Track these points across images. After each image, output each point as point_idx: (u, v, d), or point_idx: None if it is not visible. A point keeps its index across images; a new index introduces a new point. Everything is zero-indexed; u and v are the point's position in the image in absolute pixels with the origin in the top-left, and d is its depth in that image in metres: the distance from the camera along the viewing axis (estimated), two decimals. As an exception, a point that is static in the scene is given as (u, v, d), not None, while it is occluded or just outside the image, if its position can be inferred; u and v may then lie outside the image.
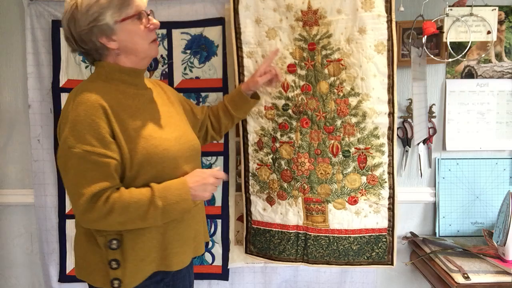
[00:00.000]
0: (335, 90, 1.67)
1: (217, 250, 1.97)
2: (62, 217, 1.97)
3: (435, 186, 1.98)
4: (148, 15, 1.31)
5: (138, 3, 1.27)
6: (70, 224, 1.97)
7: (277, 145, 1.75)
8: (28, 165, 1.99)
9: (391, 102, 1.65)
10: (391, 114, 1.66)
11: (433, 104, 1.94)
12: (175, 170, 1.29)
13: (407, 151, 1.96)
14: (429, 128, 1.93)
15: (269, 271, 2.00)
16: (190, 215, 1.36)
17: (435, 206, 1.99)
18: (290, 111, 1.72)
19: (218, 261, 1.98)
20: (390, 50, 1.61)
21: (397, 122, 1.88)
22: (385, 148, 1.68)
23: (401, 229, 2.01)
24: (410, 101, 1.92)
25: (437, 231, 1.98)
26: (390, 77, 1.63)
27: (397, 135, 1.95)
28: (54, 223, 1.98)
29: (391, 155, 1.69)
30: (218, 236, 1.95)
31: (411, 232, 2.00)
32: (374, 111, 1.65)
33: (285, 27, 1.68)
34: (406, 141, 1.95)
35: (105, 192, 1.18)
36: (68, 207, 1.97)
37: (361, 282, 1.99)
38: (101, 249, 1.25)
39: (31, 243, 2.05)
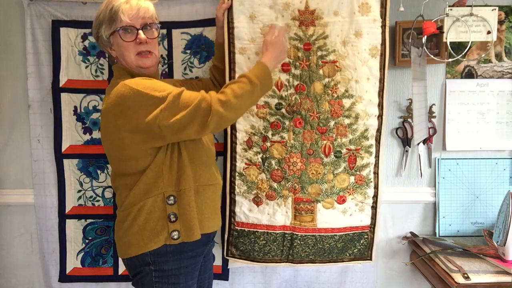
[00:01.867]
0: (330, 91, 1.68)
1: (217, 250, 1.97)
2: (62, 217, 1.97)
3: (435, 186, 1.98)
4: (140, 29, 1.42)
5: (123, 18, 1.40)
6: (70, 224, 1.98)
7: (268, 144, 1.74)
8: (28, 165, 1.99)
9: (380, 105, 1.70)
10: (380, 116, 1.70)
11: (433, 104, 1.94)
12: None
13: (407, 151, 1.96)
14: (429, 128, 1.93)
15: (269, 271, 2.00)
16: (214, 186, 1.54)
17: (435, 206, 1.99)
18: (283, 110, 1.72)
19: (218, 261, 1.98)
20: (382, 55, 1.66)
21: (394, 122, 1.92)
22: (373, 149, 1.73)
23: (401, 229, 2.01)
24: (410, 101, 1.92)
25: (437, 231, 1.98)
26: (381, 81, 1.68)
27: (397, 135, 1.96)
28: (54, 223, 1.98)
29: (377, 156, 1.74)
30: (218, 236, 1.95)
31: (411, 232, 2.00)
32: (366, 113, 1.69)
33: (281, 25, 1.68)
34: (406, 141, 1.95)
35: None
36: (68, 207, 1.97)
37: (361, 282, 1.99)
38: (162, 214, 1.42)
39: (31, 243, 2.05)
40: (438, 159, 1.96)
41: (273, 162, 1.75)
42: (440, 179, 1.97)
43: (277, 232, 1.78)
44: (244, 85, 1.45)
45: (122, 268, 2.00)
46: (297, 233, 1.77)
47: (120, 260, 1.98)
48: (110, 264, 2.00)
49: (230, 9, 1.68)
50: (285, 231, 1.78)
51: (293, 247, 1.78)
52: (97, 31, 1.45)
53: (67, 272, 2.00)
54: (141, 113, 1.33)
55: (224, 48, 1.71)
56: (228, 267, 1.99)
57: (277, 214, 1.77)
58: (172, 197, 1.42)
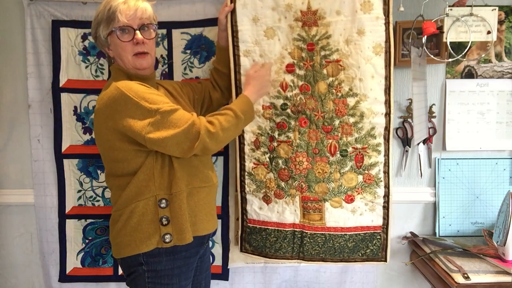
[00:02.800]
0: (334, 91, 1.68)
1: (217, 250, 1.97)
2: (62, 217, 1.97)
3: (435, 186, 1.98)
4: (137, 29, 1.44)
5: (121, 18, 1.41)
6: (70, 224, 1.98)
7: (275, 144, 1.75)
8: (28, 165, 1.99)
9: (388, 103, 1.67)
10: (387, 114, 1.68)
11: (433, 104, 1.94)
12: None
13: (407, 151, 1.96)
14: (429, 128, 1.93)
15: (269, 271, 2.00)
16: (208, 188, 1.55)
17: (435, 206, 1.99)
18: (288, 110, 1.72)
19: (218, 261, 1.98)
20: (387, 52, 1.64)
21: (394, 122, 1.90)
22: (381, 148, 1.71)
23: (401, 229, 2.01)
24: (410, 101, 1.92)
25: (437, 231, 1.98)
26: (387, 78, 1.66)
27: (397, 135, 1.96)
28: (54, 223, 1.98)
29: (387, 154, 1.71)
30: (218, 236, 1.95)
31: (411, 232, 2.00)
32: (372, 111, 1.67)
33: (284, 26, 1.68)
34: (406, 141, 1.95)
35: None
36: (68, 207, 1.97)
37: (361, 282, 1.99)
38: (154, 217, 1.42)
39: (31, 243, 2.05)
40: (438, 159, 1.96)
41: (280, 161, 1.75)
42: (440, 179, 1.97)
43: (287, 229, 1.79)
44: (230, 118, 1.48)
45: (122, 268, 2.00)
46: (306, 231, 1.77)
47: (120, 260, 1.98)
48: (110, 264, 2.00)
49: (233, 13, 1.69)
50: (295, 229, 1.78)
51: (303, 245, 1.78)
52: (95, 31, 1.47)
53: (67, 272, 2.00)
54: (128, 120, 1.35)
55: (226, 51, 1.71)
56: (228, 267, 1.99)
57: (286, 212, 1.77)
58: (164, 201, 1.43)
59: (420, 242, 1.92)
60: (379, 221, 1.75)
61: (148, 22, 1.47)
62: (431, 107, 1.94)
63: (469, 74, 1.94)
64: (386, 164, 1.72)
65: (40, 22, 1.88)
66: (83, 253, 2.00)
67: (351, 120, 1.69)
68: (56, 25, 1.87)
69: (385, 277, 2.04)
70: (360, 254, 1.77)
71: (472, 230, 1.98)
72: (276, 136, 1.75)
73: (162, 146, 1.37)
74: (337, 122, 1.70)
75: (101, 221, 1.98)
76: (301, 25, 1.67)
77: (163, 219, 1.43)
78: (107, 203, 1.98)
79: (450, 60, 1.82)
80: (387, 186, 1.73)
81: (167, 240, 1.42)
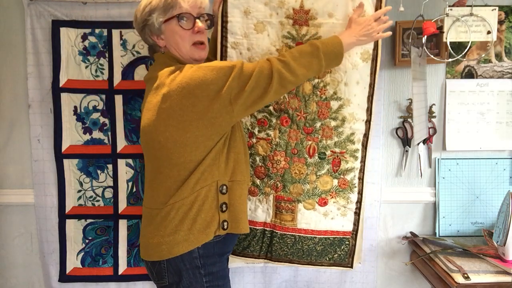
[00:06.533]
0: (318, 92, 1.69)
1: (217, 250, 1.97)
2: (62, 217, 1.97)
3: (435, 186, 1.98)
4: (197, 18, 1.43)
5: (184, 5, 1.40)
6: (70, 224, 1.98)
7: (254, 140, 1.75)
8: (28, 165, 1.99)
9: (369, 110, 1.69)
10: (368, 121, 1.70)
11: (433, 104, 1.94)
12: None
13: (407, 151, 1.96)
14: (429, 128, 1.93)
15: (269, 271, 2.00)
16: (246, 184, 1.54)
17: (435, 206, 1.99)
18: (271, 108, 1.72)
19: (218, 261, 1.98)
20: (374, 60, 1.66)
21: (391, 125, 1.92)
22: (359, 154, 1.73)
23: (401, 229, 2.01)
24: (410, 101, 1.93)
25: (437, 231, 1.98)
26: (371, 86, 1.67)
27: (397, 135, 1.96)
28: (54, 223, 1.98)
29: (363, 161, 1.73)
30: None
31: (411, 232, 2.00)
32: (353, 117, 1.69)
33: (275, 22, 1.67)
34: (406, 141, 1.95)
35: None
36: (68, 207, 1.97)
37: (361, 282, 1.99)
38: (215, 203, 1.42)
39: (31, 243, 2.05)
40: (438, 159, 1.97)
41: (257, 158, 1.75)
42: (440, 179, 1.97)
43: (258, 228, 1.78)
44: (304, 47, 1.46)
45: (122, 268, 1.99)
46: (276, 231, 1.77)
47: (120, 259, 1.98)
48: (110, 264, 2.00)
49: (225, 3, 1.66)
50: (265, 228, 1.78)
51: (272, 245, 1.78)
52: (146, 18, 1.41)
53: (67, 272, 2.00)
54: (213, 88, 1.33)
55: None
56: (228, 267, 1.98)
57: (258, 210, 1.77)
58: (225, 187, 1.43)
59: (420, 242, 1.92)
60: (349, 227, 1.77)
61: (204, 12, 1.47)
62: (431, 107, 1.94)
63: (469, 74, 1.94)
64: (362, 170, 1.74)
65: (40, 22, 1.88)
66: (83, 253, 2.00)
67: (333, 123, 1.70)
68: (56, 25, 1.87)
69: (385, 277, 2.04)
70: (328, 259, 1.78)
71: (472, 230, 1.98)
72: (256, 133, 1.74)
73: (247, 100, 1.37)
74: (318, 124, 1.71)
75: (101, 221, 1.98)
76: (292, 23, 1.67)
77: (223, 205, 1.42)
78: (107, 203, 1.98)
79: (450, 60, 1.82)
80: (360, 193, 1.75)
81: (225, 227, 1.42)
